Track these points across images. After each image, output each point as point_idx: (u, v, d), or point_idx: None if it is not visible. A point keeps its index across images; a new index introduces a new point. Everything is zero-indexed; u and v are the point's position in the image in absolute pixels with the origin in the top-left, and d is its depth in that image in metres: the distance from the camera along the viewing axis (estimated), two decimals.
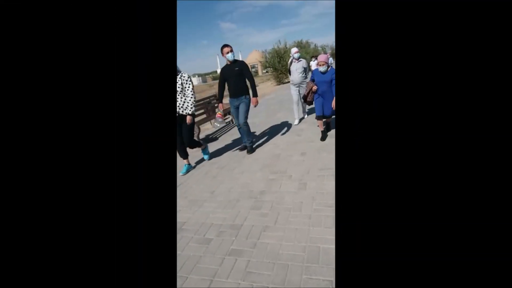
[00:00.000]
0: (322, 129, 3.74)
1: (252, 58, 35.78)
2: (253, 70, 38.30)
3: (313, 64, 10.78)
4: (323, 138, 3.68)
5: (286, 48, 16.91)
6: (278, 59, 16.14)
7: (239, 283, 1.44)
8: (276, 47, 16.99)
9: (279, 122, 5.33)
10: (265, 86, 16.97)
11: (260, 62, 18.74)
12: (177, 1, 0.84)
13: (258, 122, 5.71)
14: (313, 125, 4.46)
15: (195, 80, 46.12)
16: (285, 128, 4.73)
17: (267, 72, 20.41)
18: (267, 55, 17.97)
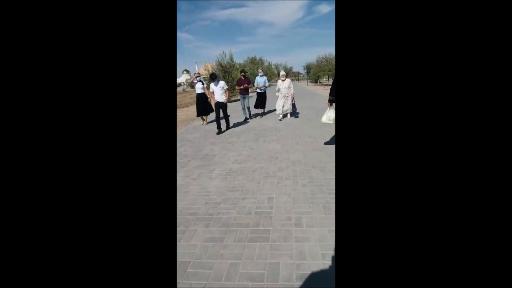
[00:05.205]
0: None
1: (203, 70, 33.10)
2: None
3: None
4: None
5: (233, 62, 14.67)
6: (223, 74, 13.84)
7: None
8: (220, 60, 14.51)
9: None
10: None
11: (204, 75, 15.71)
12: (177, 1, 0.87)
13: None
14: None
15: None
16: None
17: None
18: (210, 69, 15.38)
